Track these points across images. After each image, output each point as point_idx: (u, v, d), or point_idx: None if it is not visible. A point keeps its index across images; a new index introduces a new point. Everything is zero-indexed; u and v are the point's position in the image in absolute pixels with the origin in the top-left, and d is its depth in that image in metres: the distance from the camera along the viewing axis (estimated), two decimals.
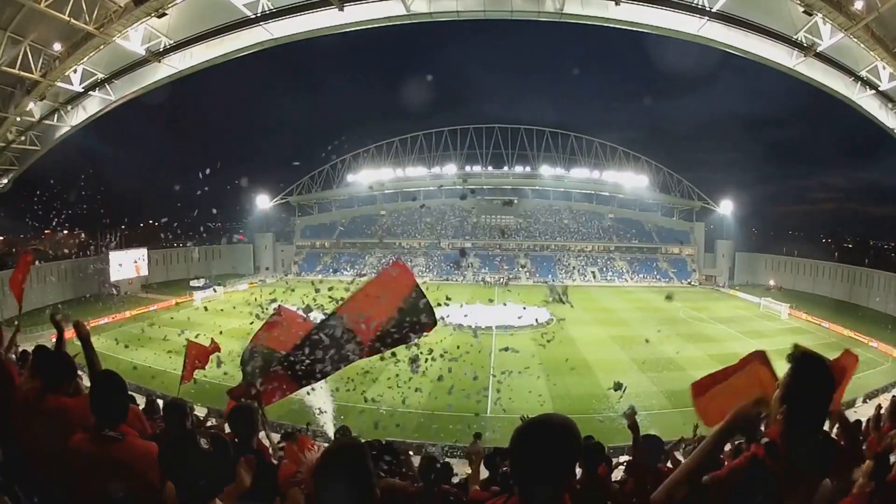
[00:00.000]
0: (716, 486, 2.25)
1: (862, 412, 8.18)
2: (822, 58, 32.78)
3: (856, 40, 28.64)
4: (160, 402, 10.66)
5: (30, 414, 3.90)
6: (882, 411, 6.23)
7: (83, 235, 70.91)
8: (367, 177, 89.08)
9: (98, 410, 3.27)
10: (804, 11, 28.65)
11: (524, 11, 35.16)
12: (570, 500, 2.00)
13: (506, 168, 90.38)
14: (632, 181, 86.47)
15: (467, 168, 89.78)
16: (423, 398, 24.00)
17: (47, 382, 3.90)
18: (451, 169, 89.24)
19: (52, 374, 3.95)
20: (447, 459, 6.75)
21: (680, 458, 7.74)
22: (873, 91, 33.17)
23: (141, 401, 11.71)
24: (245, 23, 33.52)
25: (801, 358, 2.47)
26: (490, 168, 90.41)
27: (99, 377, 3.49)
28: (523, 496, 1.98)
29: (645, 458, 4.99)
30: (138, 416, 4.81)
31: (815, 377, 2.38)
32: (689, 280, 77.23)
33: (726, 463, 2.48)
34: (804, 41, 31.43)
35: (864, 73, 32.32)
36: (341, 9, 32.84)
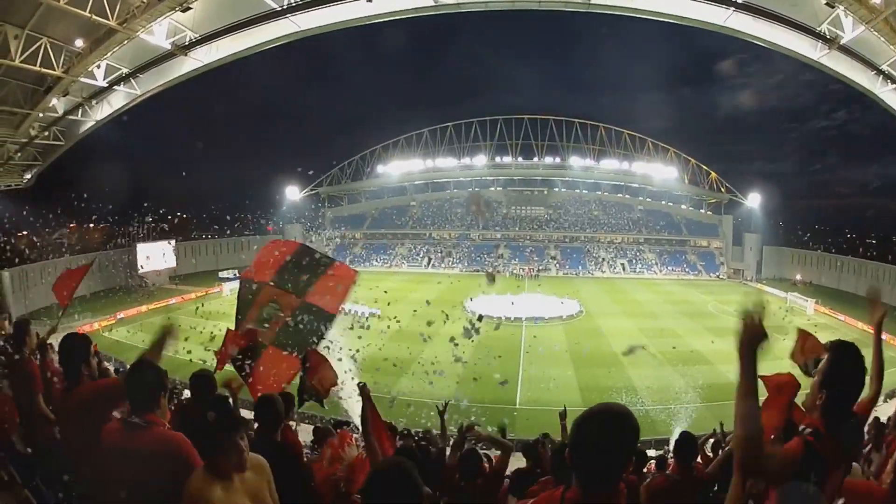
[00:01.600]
0: (781, 460, 2.34)
1: (882, 411, 7.98)
2: (845, 50, 32.04)
3: (876, 34, 28.00)
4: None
5: (60, 410, 3.92)
6: None
7: (111, 227, 71.60)
8: (397, 167, 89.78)
9: (129, 398, 3.31)
10: (826, 3, 28.08)
11: (552, 1, 34.88)
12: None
13: (535, 159, 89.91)
14: (661, 173, 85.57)
15: (497, 159, 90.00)
16: (451, 389, 23.99)
17: (69, 378, 3.92)
18: (480, 160, 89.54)
19: (69, 365, 3.96)
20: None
21: (708, 452, 7.72)
22: (895, 85, 32.38)
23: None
24: (271, 15, 33.36)
25: (839, 346, 2.69)
26: (520, 159, 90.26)
27: (132, 366, 3.52)
28: (582, 487, 1.99)
29: (682, 457, 5.04)
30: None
31: (852, 364, 2.57)
32: (717, 273, 76.17)
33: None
34: (827, 33, 30.81)
35: (885, 67, 31.51)
36: (369, 0, 32.74)
